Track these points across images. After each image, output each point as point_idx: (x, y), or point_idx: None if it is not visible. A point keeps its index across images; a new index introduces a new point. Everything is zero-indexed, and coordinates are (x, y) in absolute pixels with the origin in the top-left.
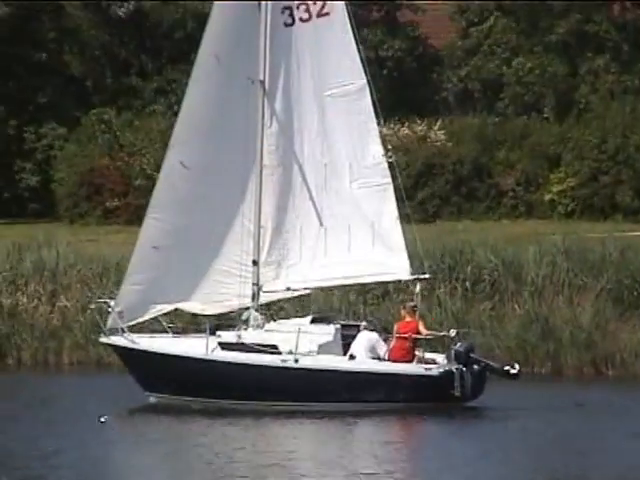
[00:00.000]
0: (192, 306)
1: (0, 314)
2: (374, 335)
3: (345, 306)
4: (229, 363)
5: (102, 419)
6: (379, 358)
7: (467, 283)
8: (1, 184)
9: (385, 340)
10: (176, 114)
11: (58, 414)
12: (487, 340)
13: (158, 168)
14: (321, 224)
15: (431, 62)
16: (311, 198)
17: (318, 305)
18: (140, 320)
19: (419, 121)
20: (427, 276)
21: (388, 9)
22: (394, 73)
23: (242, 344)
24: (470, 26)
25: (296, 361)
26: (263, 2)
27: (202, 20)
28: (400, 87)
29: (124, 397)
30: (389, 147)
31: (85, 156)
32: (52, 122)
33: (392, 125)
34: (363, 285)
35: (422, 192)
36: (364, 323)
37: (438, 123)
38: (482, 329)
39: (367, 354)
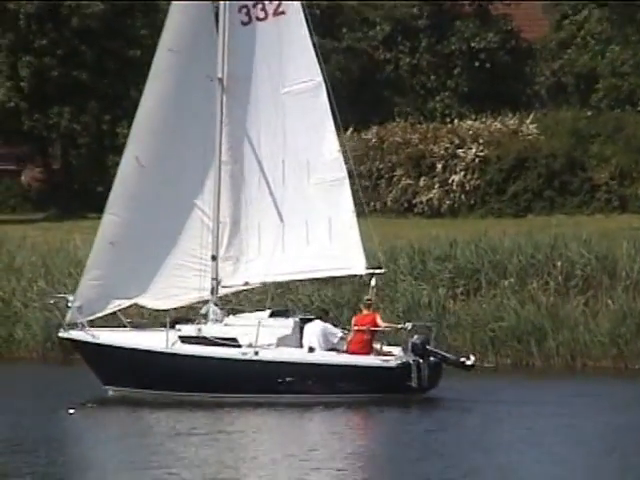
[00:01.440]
0: (150, 301)
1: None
2: (326, 324)
3: (435, 300)
4: (190, 356)
5: (70, 411)
6: (334, 347)
7: (560, 278)
8: (95, 179)
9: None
10: None
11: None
12: (441, 332)
13: None
14: (279, 219)
15: (524, 55)
16: (269, 194)
17: (406, 299)
18: (99, 315)
19: (511, 115)
20: (382, 271)
21: (480, 2)
22: (486, 65)
23: (203, 337)
24: (564, 18)
25: (256, 354)
26: (221, 2)
27: None
28: (492, 80)
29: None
30: (480, 141)
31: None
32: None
33: (484, 119)
34: (322, 279)
35: (514, 186)
36: (319, 319)
37: (530, 117)
38: (575, 325)
39: (322, 344)
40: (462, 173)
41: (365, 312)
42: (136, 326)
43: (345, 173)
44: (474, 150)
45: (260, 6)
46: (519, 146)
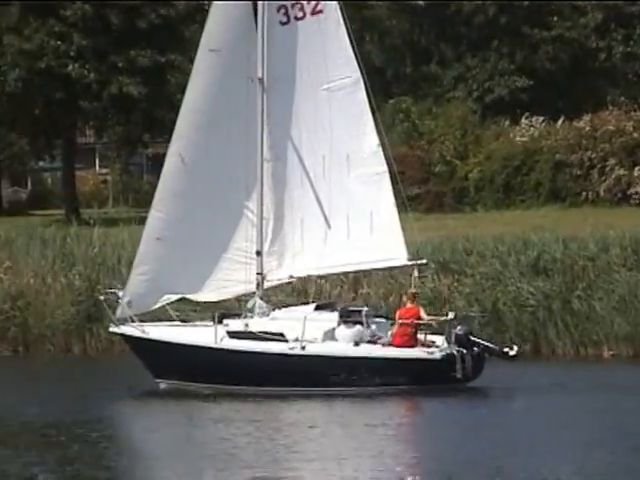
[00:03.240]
0: (197, 294)
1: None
2: (355, 328)
3: None
4: (238, 351)
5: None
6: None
7: None
8: None
9: (392, 324)
10: (477, 100)
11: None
12: (486, 323)
13: (458, 155)
14: (321, 214)
15: None
16: (311, 189)
17: (622, 289)
18: (148, 309)
19: None
20: (424, 262)
21: None
22: None
23: (250, 332)
24: None
25: (303, 348)
26: (259, 2)
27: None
28: None
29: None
30: None
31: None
32: None
33: None
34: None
35: None
36: (366, 308)
37: None
38: None
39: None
40: None
41: (409, 305)
42: (184, 320)
43: (385, 167)
44: None
45: (298, 6)
46: None
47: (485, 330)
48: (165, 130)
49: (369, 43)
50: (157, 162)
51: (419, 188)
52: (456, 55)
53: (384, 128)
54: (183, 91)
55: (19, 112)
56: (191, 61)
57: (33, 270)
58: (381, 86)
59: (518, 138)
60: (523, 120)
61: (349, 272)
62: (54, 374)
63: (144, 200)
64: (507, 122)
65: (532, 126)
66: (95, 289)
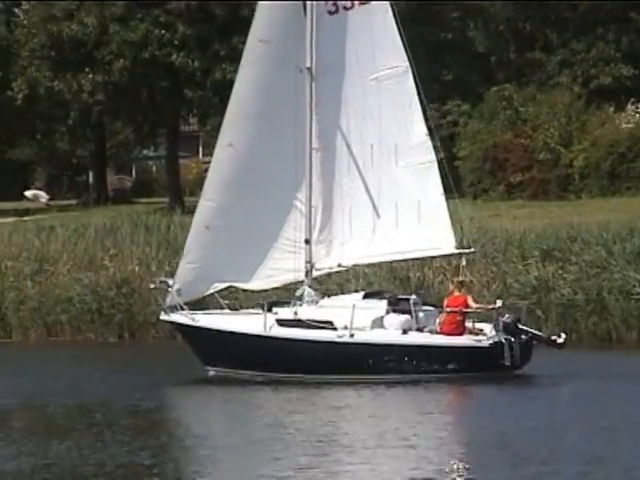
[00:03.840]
0: (245, 283)
1: (408, 288)
2: (403, 317)
3: None
4: (287, 339)
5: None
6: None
7: None
8: None
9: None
10: (583, 85)
11: None
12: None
13: (563, 142)
14: (369, 203)
15: None
16: (359, 178)
17: None
18: (197, 297)
19: None
20: (472, 250)
21: None
22: None
23: (299, 320)
24: None
25: (352, 336)
26: None
27: None
28: None
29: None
30: None
31: (488, 132)
32: (457, 99)
33: None
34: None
35: None
36: (414, 297)
37: None
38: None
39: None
40: None
41: (456, 293)
42: (233, 308)
43: (433, 156)
44: None
45: None
46: None
47: (591, 319)
48: None
49: (472, 30)
50: None
51: (523, 175)
52: (561, 41)
53: (487, 115)
54: None
55: (124, 101)
56: None
57: (138, 257)
58: (484, 72)
59: (624, 125)
60: (629, 106)
61: (396, 260)
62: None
63: None
64: (612, 108)
65: (638, 112)
66: None
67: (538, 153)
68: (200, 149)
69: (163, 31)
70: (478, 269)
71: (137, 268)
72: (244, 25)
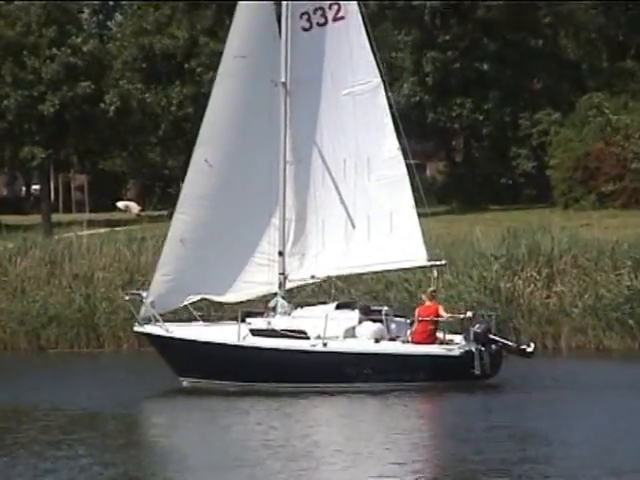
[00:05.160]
0: (219, 295)
1: (498, 298)
2: (376, 326)
3: None
4: (261, 349)
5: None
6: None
7: None
8: (497, 170)
9: (411, 324)
10: None
11: None
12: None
13: None
14: (342, 216)
15: None
16: (332, 191)
17: None
18: (170, 309)
19: None
20: (443, 262)
21: None
22: None
23: (272, 330)
24: None
25: (325, 345)
26: (284, 5)
27: None
28: None
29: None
30: None
31: (580, 140)
32: (547, 108)
33: None
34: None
35: None
36: (386, 308)
37: None
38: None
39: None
40: None
41: (428, 303)
42: (206, 319)
43: (405, 170)
44: None
45: (320, 12)
46: None
47: None
48: None
49: (564, 38)
50: None
51: (615, 184)
52: None
53: (577, 123)
54: None
55: None
56: None
57: None
58: (575, 81)
59: None
60: None
61: (369, 272)
62: None
63: None
64: None
65: None
66: None
67: (630, 162)
68: None
69: None
70: (569, 279)
71: None
72: None
